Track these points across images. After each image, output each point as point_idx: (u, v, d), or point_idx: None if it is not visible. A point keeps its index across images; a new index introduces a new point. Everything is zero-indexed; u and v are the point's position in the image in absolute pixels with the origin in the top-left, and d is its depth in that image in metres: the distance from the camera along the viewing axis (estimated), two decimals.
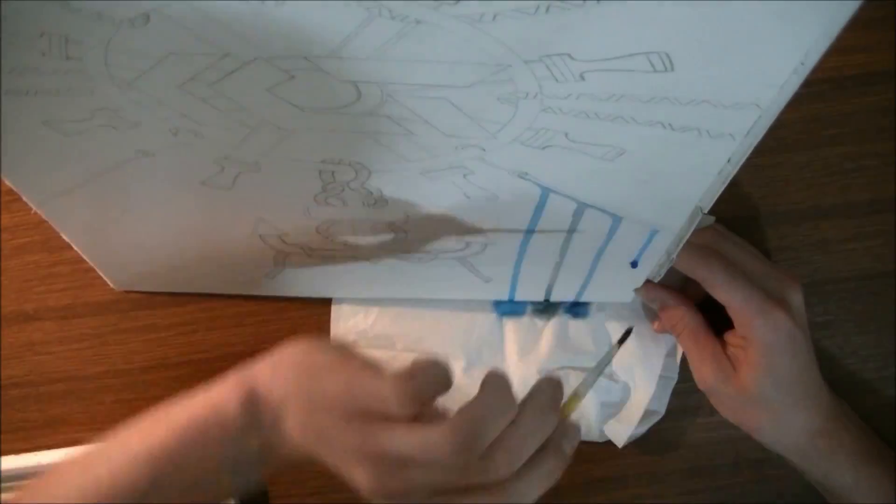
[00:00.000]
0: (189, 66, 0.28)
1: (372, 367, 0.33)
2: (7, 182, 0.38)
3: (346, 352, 0.35)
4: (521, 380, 0.47)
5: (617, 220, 0.38)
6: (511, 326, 0.49)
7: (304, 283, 0.47)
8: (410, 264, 0.44)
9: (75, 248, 0.46)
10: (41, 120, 0.33)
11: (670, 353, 0.48)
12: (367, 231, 0.41)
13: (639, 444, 0.50)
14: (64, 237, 0.44)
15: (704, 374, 0.43)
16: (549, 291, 0.47)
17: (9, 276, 0.50)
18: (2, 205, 0.51)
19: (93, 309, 0.50)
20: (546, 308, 0.49)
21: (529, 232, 0.40)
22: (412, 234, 0.41)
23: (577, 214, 0.38)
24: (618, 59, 0.27)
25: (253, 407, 0.34)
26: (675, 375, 0.49)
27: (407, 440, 0.31)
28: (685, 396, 0.49)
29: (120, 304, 0.50)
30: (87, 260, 0.47)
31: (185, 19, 0.25)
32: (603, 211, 0.38)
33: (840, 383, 0.48)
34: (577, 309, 0.49)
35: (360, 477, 0.32)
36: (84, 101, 0.31)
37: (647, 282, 0.44)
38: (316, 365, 0.34)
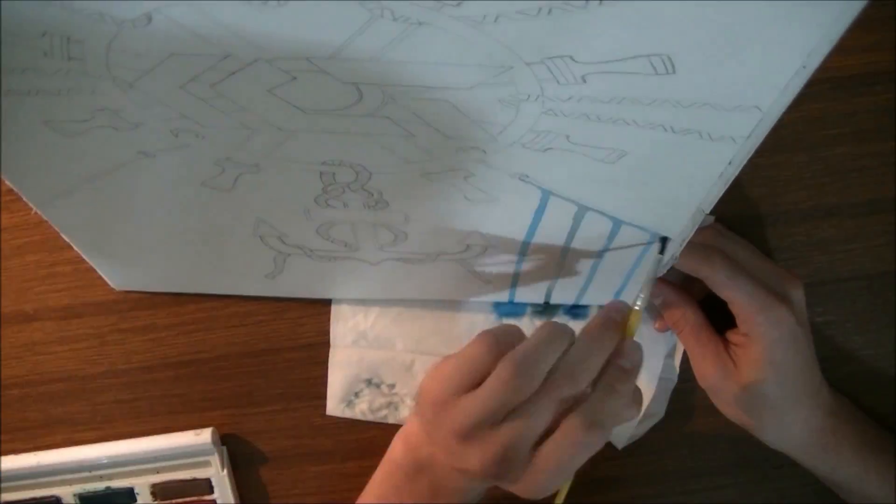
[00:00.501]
0: (190, 67, 0.28)
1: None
2: (7, 182, 0.38)
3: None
4: None
5: (617, 223, 0.38)
6: None
7: (304, 283, 0.47)
8: (411, 265, 0.44)
9: (75, 248, 0.46)
10: (41, 120, 0.32)
11: (669, 355, 0.48)
12: (367, 232, 0.41)
13: (639, 444, 0.50)
14: (64, 237, 0.44)
15: (706, 372, 0.43)
16: (548, 294, 0.47)
17: (9, 276, 0.50)
18: (2, 205, 0.51)
19: (93, 309, 0.50)
20: (545, 309, 0.49)
21: (529, 234, 0.40)
22: (412, 236, 0.41)
23: (578, 218, 0.38)
24: (619, 61, 0.27)
25: (410, 447, 0.38)
26: (674, 377, 0.49)
27: (472, 401, 0.33)
28: (685, 396, 0.49)
29: (120, 304, 0.50)
30: (87, 260, 0.47)
31: (187, 20, 0.25)
32: (603, 214, 0.38)
33: (840, 383, 0.49)
34: (576, 310, 0.49)
35: (469, 463, 0.34)
36: (85, 102, 0.31)
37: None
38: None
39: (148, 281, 0.48)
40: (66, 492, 0.49)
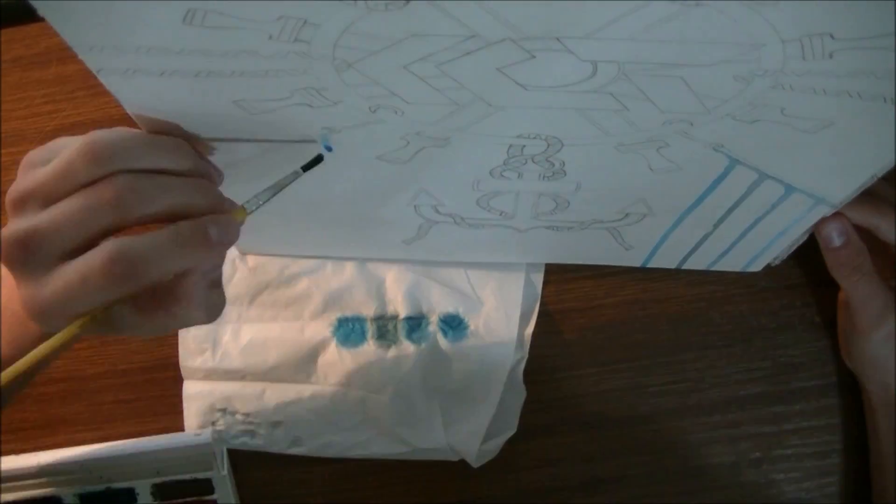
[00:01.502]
0: (426, 47, 0.27)
1: None
2: None
3: None
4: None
5: (790, 190, 0.38)
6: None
7: (440, 249, 0.47)
8: (558, 233, 0.44)
9: None
10: (232, 100, 0.31)
11: (514, 368, 0.48)
12: (528, 202, 0.40)
13: (639, 444, 0.50)
14: None
15: (873, 311, 0.43)
16: (684, 260, 0.47)
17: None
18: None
19: None
20: (383, 335, 0.49)
21: (696, 203, 0.40)
22: (574, 205, 0.40)
23: (753, 186, 0.38)
24: (876, 37, 0.26)
25: None
26: (522, 391, 0.48)
27: (37, 170, 0.28)
28: (685, 396, 0.49)
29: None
30: None
31: (448, 3, 0.24)
32: (780, 181, 0.37)
33: (840, 383, 0.49)
34: (416, 335, 0.49)
35: (3, 233, 0.29)
36: (289, 82, 0.30)
37: (839, 213, 0.42)
38: None
39: (277, 245, 0.48)
40: (66, 492, 0.49)
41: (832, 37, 0.26)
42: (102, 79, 0.29)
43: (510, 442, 0.48)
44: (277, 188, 0.33)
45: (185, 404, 0.49)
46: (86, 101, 0.50)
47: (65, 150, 0.28)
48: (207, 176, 0.32)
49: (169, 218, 0.29)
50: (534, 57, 0.27)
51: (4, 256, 0.28)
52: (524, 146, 0.34)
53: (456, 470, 0.49)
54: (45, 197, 0.28)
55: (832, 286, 0.47)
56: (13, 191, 0.29)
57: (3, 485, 0.48)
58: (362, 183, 0.39)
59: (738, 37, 0.26)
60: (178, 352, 0.49)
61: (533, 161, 0.36)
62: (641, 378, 0.50)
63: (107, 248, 0.27)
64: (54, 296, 0.28)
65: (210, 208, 0.30)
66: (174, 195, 0.29)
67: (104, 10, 0.25)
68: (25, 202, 0.28)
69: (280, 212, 0.42)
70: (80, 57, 0.27)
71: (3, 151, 0.51)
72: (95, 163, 0.28)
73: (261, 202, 0.33)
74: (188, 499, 0.49)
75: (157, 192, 0.29)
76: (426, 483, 0.50)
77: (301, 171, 0.34)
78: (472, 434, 0.47)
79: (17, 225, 0.28)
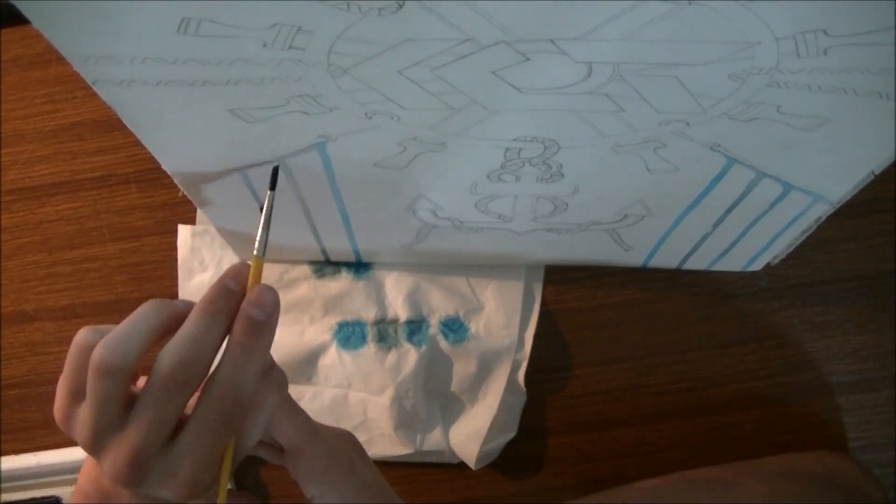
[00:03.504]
0: (420, 52, 0.27)
1: None
2: (164, 166, 0.37)
3: None
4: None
5: (788, 188, 0.38)
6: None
7: (440, 252, 0.47)
8: (557, 235, 0.44)
9: (214, 228, 0.45)
10: (228, 108, 0.31)
11: (514, 372, 0.48)
12: (527, 205, 0.40)
13: (638, 444, 0.50)
14: (204, 214, 0.43)
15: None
16: (684, 260, 0.47)
17: (9, 276, 0.50)
18: (2, 205, 0.50)
19: (93, 309, 0.50)
20: (383, 338, 0.48)
21: (695, 203, 0.39)
22: (573, 208, 0.40)
23: (751, 185, 0.38)
24: (870, 33, 0.26)
25: (90, 478, 0.34)
26: (522, 394, 0.48)
27: (83, 410, 0.29)
28: (685, 396, 0.50)
29: (120, 304, 0.50)
30: (217, 231, 0.47)
31: (442, 6, 0.24)
32: (778, 180, 0.37)
33: (840, 383, 0.49)
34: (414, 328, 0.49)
35: (108, 474, 0.29)
36: (285, 89, 0.30)
37: None
38: None
39: (275, 251, 0.48)
40: (66, 492, 0.49)
41: (826, 33, 0.26)
42: (98, 90, 0.29)
43: (510, 441, 0.48)
44: (267, 220, 0.33)
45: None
46: (86, 101, 0.50)
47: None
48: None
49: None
50: (528, 59, 0.27)
51: (131, 482, 0.29)
52: (521, 149, 0.34)
53: (456, 470, 0.49)
54: (111, 420, 0.29)
55: (832, 286, 0.47)
56: (84, 440, 0.29)
57: (3, 485, 0.48)
58: (360, 189, 0.39)
59: (732, 35, 0.26)
60: None
61: (530, 164, 0.36)
62: (641, 378, 0.50)
63: (212, 397, 0.29)
64: (197, 465, 0.29)
65: (225, 313, 0.30)
66: (205, 332, 0.29)
67: (98, 21, 0.25)
68: (100, 439, 0.29)
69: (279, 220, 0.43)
70: (76, 68, 0.27)
71: (3, 151, 0.51)
72: (119, 365, 0.28)
73: (264, 241, 0.33)
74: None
75: (197, 343, 0.29)
76: (426, 484, 0.50)
77: (271, 191, 0.34)
78: (472, 437, 0.47)
79: (114, 459, 0.29)
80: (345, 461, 0.35)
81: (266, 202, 0.34)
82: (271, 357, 0.32)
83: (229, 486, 0.33)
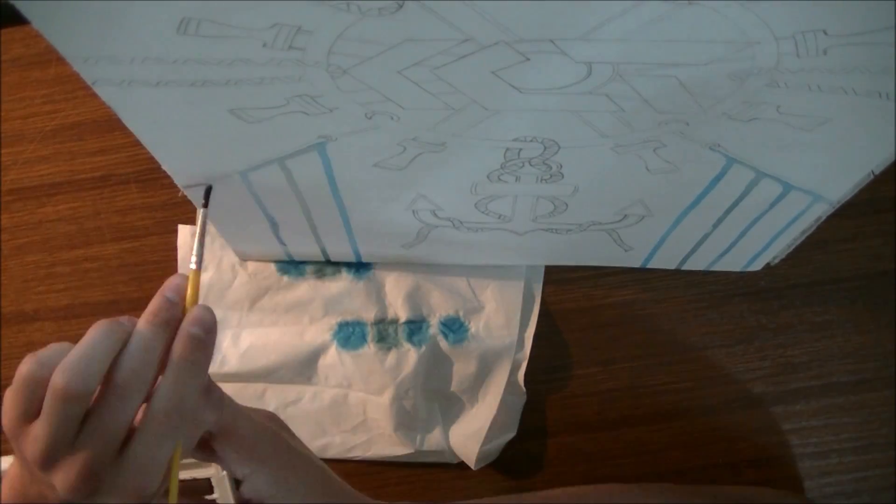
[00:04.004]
0: (420, 52, 0.27)
1: None
2: (164, 167, 0.37)
3: None
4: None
5: (788, 188, 0.38)
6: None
7: (440, 253, 0.47)
8: (556, 235, 0.44)
9: (213, 227, 0.45)
10: (228, 108, 0.31)
11: (514, 373, 0.48)
12: (527, 205, 0.40)
13: (638, 444, 0.50)
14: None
15: None
16: (684, 260, 0.47)
17: (9, 276, 0.50)
18: (2, 205, 0.50)
19: (92, 309, 0.50)
20: (383, 338, 0.49)
21: (695, 203, 0.39)
22: (573, 208, 0.40)
23: (751, 185, 0.38)
24: (870, 33, 0.26)
25: (16, 492, 0.34)
26: (522, 395, 0.48)
27: (36, 426, 0.30)
28: (685, 396, 0.49)
29: (119, 304, 0.50)
30: (221, 235, 0.47)
31: (442, 6, 0.24)
32: (778, 180, 0.37)
33: (840, 383, 0.49)
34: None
35: (62, 491, 0.30)
36: (285, 89, 0.30)
37: None
38: None
39: (275, 251, 0.48)
40: None
41: (826, 33, 0.26)
42: (98, 90, 0.29)
43: (510, 441, 0.48)
44: (202, 235, 0.35)
45: None
46: (85, 100, 0.50)
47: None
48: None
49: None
50: (528, 59, 0.27)
51: (85, 495, 0.30)
52: (521, 149, 0.34)
53: (456, 470, 0.49)
54: (65, 435, 0.30)
55: (832, 286, 0.47)
56: (35, 456, 0.30)
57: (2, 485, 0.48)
58: (360, 190, 0.39)
59: (731, 35, 0.26)
60: None
61: (530, 164, 0.36)
62: (641, 378, 0.50)
63: (157, 410, 0.30)
64: (146, 477, 0.30)
65: (169, 323, 0.32)
66: (150, 345, 0.31)
67: (97, 21, 0.25)
68: (52, 454, 0.30)
69: (280, 220, 0.43)
70: (76, 68, 0.27)
71: (3, 151, 0.51)
72: (81, 385, 0.29)
73: (200, 255, 0.34)
74: (188, 499, 0.49)
75: (143, 356, 0.31)
76: (426, 484, 0.50)
77: (204, 207, 0.36)
78: (472, 437, 0.47)
79: (67, 474, 0.30)
80: (269, 435, 0.36)
81: (199, 219, 0.35)
82: (209, 377, 0.34)
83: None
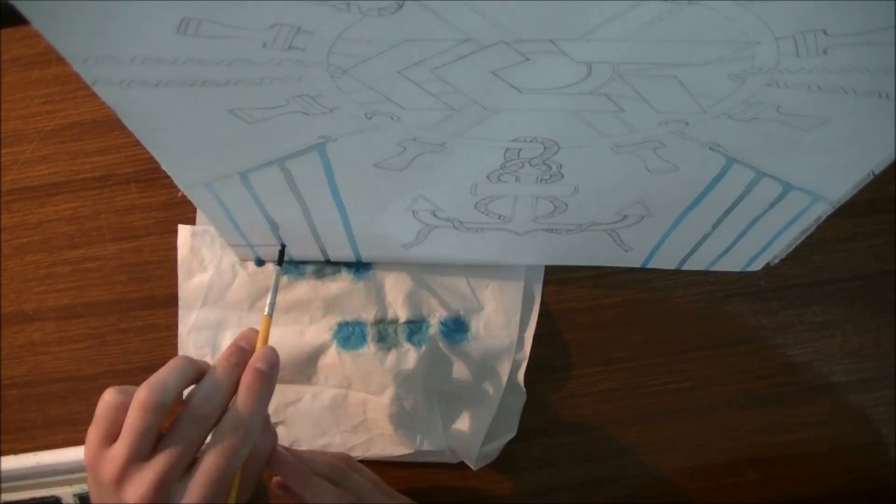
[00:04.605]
0: (420, 52, 0.27)
1: None
2: (163, 167, 0.37)
3: None
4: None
5: (788, 188, 0.38)
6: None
7: (440, 253, 0.47)
8: (556, 235, 0.44)
9: (214, 228, 0.45)
10: (228, 108, 0.31)
11: (514, 372, 0.48)
12: (527, 205, 0.40)
13: (638, 444, 0.50)
14: (204, 216, 0.43)
15: None
16: (684, 261, 0.47)
17: (9, 276, 0.50)
18: (2, 205, 0.50)
19: (92, 309, 0.50)
20: (383, 338, 0.48)
21: (694, 203, 0.39)
22: (573, 208, 0.40)
23: (751, 185, 0.38)
24: (870, 33, 0.26)
25: None
26: (522, 395, 0.48)
27: (115, 447, 0.33)
28: (685, 396, 0.49)
29: (120, 304, 0.50)
30: (221, 235, 0.47)
31: (442, 6, 0.24)
32: (778, 180, 0.37)
33: (840, 383, 0.49)
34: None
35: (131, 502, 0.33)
36: (285, 90, 0.30)
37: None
38: None
39: (274, 250, 0.48)
40: (66, 492, 0.49)
41: (825, 33, 0.26)
42: (98, 90, 0.29)
43: (509, 441, 0.48)
44: (275, 289, 0.42)
45: None
46: (86, 100, 0.50)
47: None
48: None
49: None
50: (528, 59, 0.27)
51: None
52: (521, 149, 0.34)
53: (456, 470, 0.49)
54: (140, 453, 0.33)
55: (832, 286, 0.47)
56: (112, 475, 0.33)
57: (3, 485, 0.49)
58: (360, 190, 0.39)
59: (731, 35, 0.26)
60: (176, 352, 0.49)
61: (530, 164, 0.36)
62: (641, 378, 0.50)
63: (225, 429, 0.34)
64: (211, 488, 0.33)
65: (239, 364, 0.37)
66: (222, 379, 0.36)
67: (97, 21, 0.25)
68: (126, 471, 0.33)
69: (279, 222, 0.43)
70: (76, 68, 0.27)
71: (3, 151, 0.51)
72: (158, 406, 0.33)
73: (272, 305, 0.41)
74: None
75: (215, 386, 0.35)
76: (426, 484, 0.50)
77: (280, 268, 0.43)
78: (472, 437, 0.47)
79: (139, 486, 0.33)
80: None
81: (274, 276, 0.43)
82: (269, 415, 0.39)
83: None
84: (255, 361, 0.36)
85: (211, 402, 0.35)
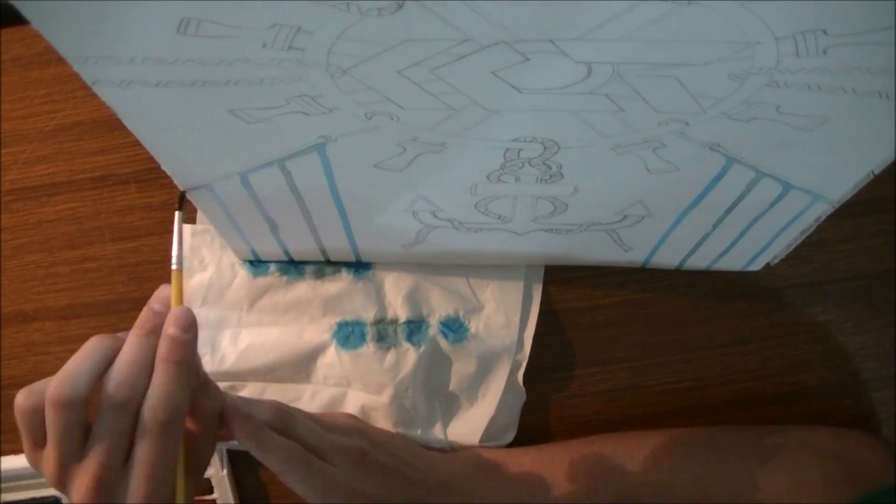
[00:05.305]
0: (419, 52, 0.27)
1: None
2: (163, 167, 0.37)
3: None
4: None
5: (788, 188, 0.38)
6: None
7: (440, 253, 0.47)
8: (556, 235, 0.44)
9: (213, 227, 0.45)
10: (228, 108, 0.31)
11: (513, 372, 0.48)
12: (527, 205, 0.40)
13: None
14: (204, 216, 0.43)
15: None
16: (684, 260, 0.47)
17: (9, 276, 0.50)
18: (2, 205, 0.50)
19: (92, 309, 0.50)
20: (381, 338, 0.48)
21: (694, 203, 0.39)
22: (573, 208, 0.40)
23: (751, 185, 0.38)
24: (870, 33, 0.26)
25: None
26: (522, 394, 0.48)
27: (46, 450, 0.32)
28: (685, 396, 0.49)
29: (120, 304, 0.50)
30: (221, 235, 0.46)
31: (442, 6, 0.24)
32: (778, 179, 0.37)
33: (840, 383, 0.49)
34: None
35: None
36: (284, 89, 0.30)
37: None
38: None
39: (274, 251, 0.48)
40: None
41: (826, 33, 0.26)
42: (98, 90, 0.29)
43: (509, 442, 0.48)
44: (180, 237, 0.36)
45: None
46: (85, 100, 0.50)
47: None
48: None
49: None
50: (528, 59, 0.27)
51: None
52: (521, 150, 0.34)
53: None
54: (71, 453, 0.32)
55: (832, 286, 0.47)
56: (50, 477, 0.32)
57: (3, 485, 0.49)
58: (360, 191, 0.39)
59: (731, 35, 0.26)
60: None
61: (530, 164, 0.36)
62: (641, 378, 0.50)
63: (149, 413, 0.31)
64: (155, 479, 0.32)
65: (154, 331, 0.33)
66: (137, 354, 0.32)
67: (97, 21, 0.25)
68: (64, 472, 0.32)
69: (280, 220, 0.43)
70: (75, 69, 0.27)
71: (3, 151, 0.51)
72: (73, 399, 0.31)
73: (179, 256, 0.35)
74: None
75: (131, 367, 0.32)
76: None
77: (178, 210, 0.37)
78: (471, 436, 0.47)
79: (79, 488, 0.31)
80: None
81: (176, 222, 0.36)
82: (205, 373, 0.36)
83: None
84: (168, 327, 0.32)
85: (127, 384, 0.31)
